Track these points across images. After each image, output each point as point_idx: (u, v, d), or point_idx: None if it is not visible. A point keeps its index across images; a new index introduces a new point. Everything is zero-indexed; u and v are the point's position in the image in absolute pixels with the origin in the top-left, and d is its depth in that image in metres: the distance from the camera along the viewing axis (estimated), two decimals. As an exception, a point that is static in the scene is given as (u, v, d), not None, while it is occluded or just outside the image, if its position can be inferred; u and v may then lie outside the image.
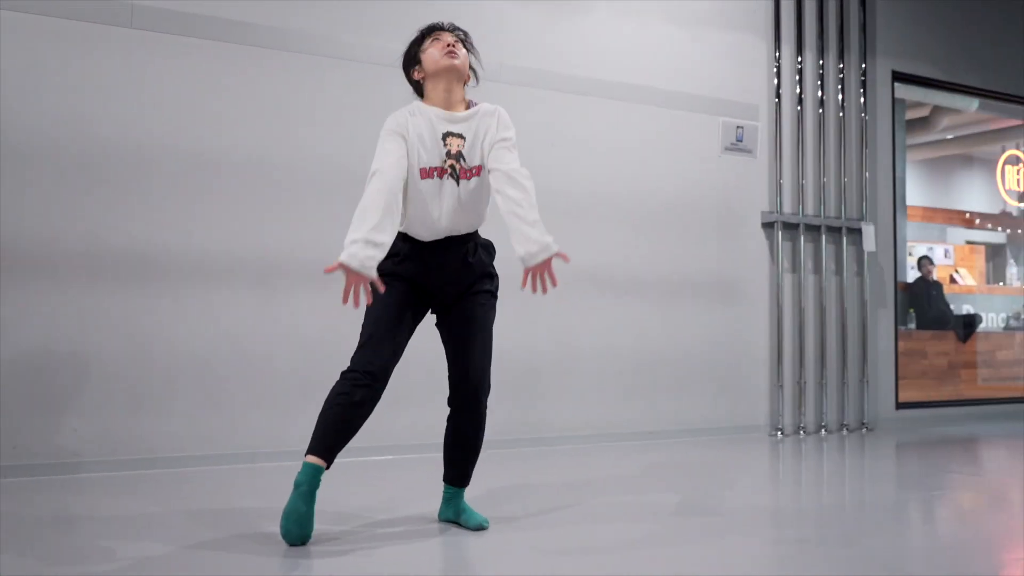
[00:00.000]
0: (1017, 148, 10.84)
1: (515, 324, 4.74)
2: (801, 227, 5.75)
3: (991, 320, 9.66)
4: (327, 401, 2.63)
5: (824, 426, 5.79)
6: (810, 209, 5.84)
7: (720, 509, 3.38)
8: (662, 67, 5.39)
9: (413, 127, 2.72)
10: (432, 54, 2.82)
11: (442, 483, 2.94)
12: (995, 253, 11.65)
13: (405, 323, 2.74)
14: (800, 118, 5.82)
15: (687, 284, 5.41)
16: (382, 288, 2.58)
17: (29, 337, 3.79)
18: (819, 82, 5.92)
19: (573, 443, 4.95)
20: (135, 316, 3.99)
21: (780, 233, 5.67)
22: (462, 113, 2.79)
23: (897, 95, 6.50)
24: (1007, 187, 11.01)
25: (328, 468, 2.62)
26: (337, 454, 2.63)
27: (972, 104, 8.00)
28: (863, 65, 6.11)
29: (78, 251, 3.90)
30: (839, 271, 5.94)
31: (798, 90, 5.83)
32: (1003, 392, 8.04)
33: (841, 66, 6.02)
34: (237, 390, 4.17)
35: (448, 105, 2.80)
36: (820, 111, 5.92)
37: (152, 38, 4.08)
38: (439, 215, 2.72)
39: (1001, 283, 11.12)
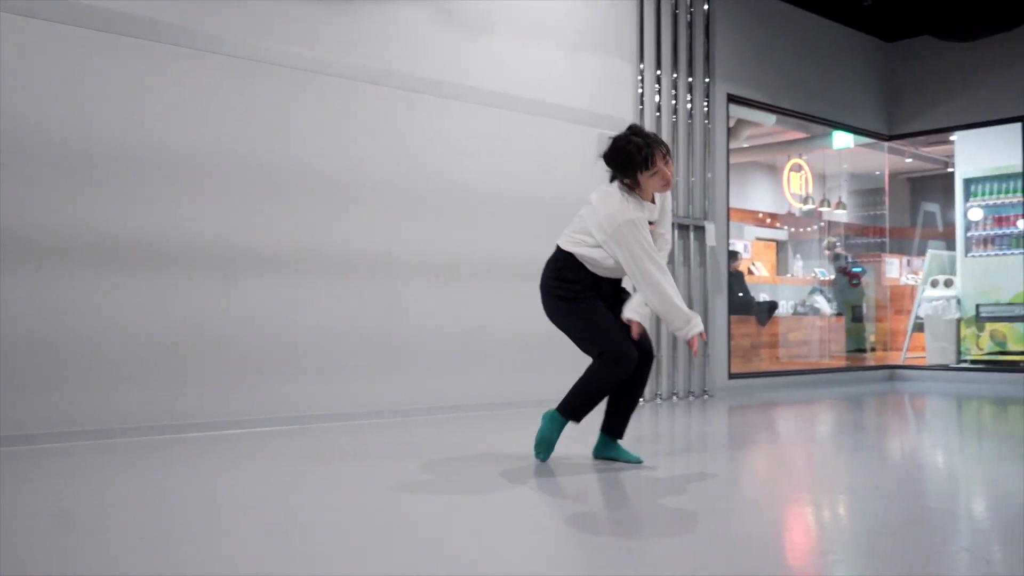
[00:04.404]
0: (800, 157, 12.41)
1: (433, 308, 5.43)
2: (659, 224, 6.76)
3: (783, 306, 10.94)
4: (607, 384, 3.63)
5: (675, 393, 6.84)
6: (665, 209, 6.86)
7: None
8: (550, 84, 6.21)
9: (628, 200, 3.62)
10: (660, 181, 3.62)
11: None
12: (782, 248, 13.12)
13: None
14: (658, 131, 6.82)
15: (567, 272, 6.25)
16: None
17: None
18: (673, 101, 6.95)
19: (467, 411, 5.67)
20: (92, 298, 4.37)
21: (642, 229, 6.64)
22: (650, 204, 3.70)
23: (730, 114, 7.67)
24: (791, 191, 12.53)
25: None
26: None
27: (770, 119, 9.30)
28: (706, 88, 7.21)
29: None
30: (687, 262, 7.00)
31: (657, 107, 6.83)
32: (796, 366, 9.38)
33: (690, 83, 7.08)
34: (199, 366, 4.62)
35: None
36: (674, 124, 6.95)
37: (96, 37, 4.45)
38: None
39: (789, 274, 12.61)
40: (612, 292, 3.78)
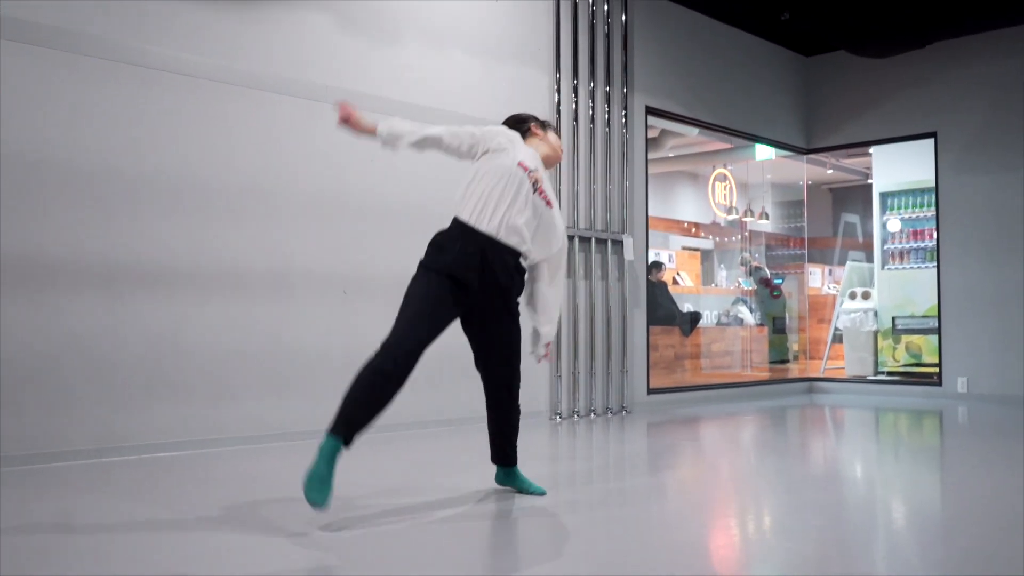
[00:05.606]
0: (724, 167, 12.45)
1: (316, 321, 5.23)
2: (576, 239, 6.65)
3: (707, 317, 10.91)
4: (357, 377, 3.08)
5: (593, 410, 6.72)
6: (582, 223, 6.75)
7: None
8: (462, 94, 6.05)
9: (519, 143, 3.47)
10: (557, 142, 3.67)
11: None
12: (706, 258, 13.13)
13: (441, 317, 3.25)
14: (575, 145, 6.71)
15: (481, 288, 6.10)
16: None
17: None
18: (590, 111, 6.85)
19: (388, 431, 5.47)
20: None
21: (559, 244, 6.52)
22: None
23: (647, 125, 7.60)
24: (716, 201, 12.57)
25: (348, 447, 3.00)
26: (358, 432, 3.02)
27: (693, 130, 9.28)
28: (624, 99, 7.13)
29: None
30: (604, 276, 6.90)
31: (574, 120, 6.72)
32: (720, 378, 9.36)
33: (608, 93, 6.98)
34: (80, 388, 4.34)
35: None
36: (591, 136, 6.85)
37: None
38: (508, 207, 3.29)
39: (713, 284, 12.62)
40: (487, 287, 3.27)
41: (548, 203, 3.42)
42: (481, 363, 3.49)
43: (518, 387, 3.55)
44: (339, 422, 3.02)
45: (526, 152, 3.44)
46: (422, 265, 3.29)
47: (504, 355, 3.45)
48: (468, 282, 3.21)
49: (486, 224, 3.25)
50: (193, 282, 4.73)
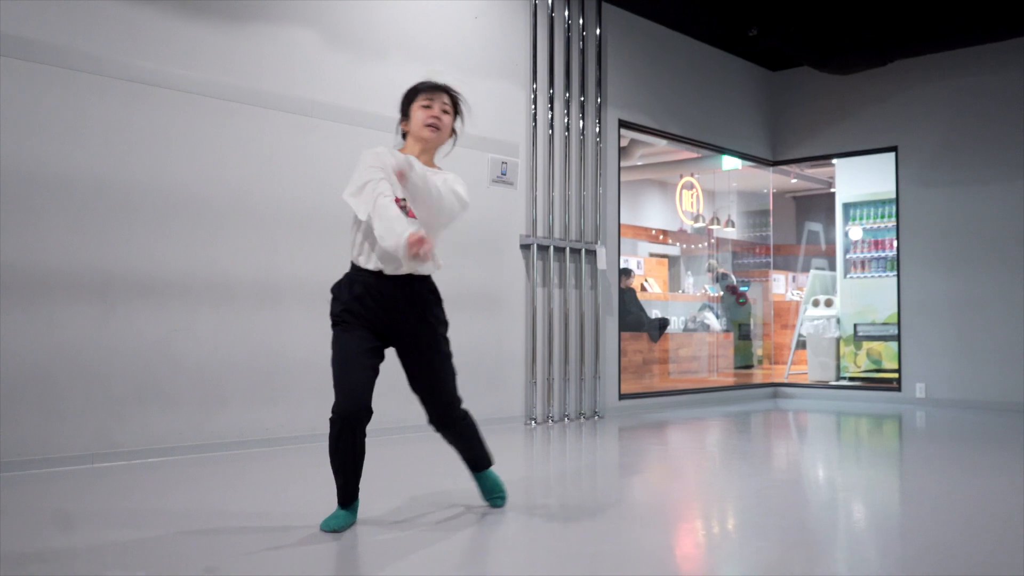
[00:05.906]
0: (692, 176, 12.72)
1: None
2: (551, 249, 6.85)
3: (674, 323, 11.13)
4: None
5: (566, 415, 6.92)
6: (557, 233, 6.95)
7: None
8: (442, 108, 6.22)
9: (388, 163, 3.08)
10: (418, 118, 3.21)
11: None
12: (673, 264, 13.38)
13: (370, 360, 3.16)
14: (551, 157, 6.91)
15: (458, 296, 6.26)
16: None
17: None
18: (566, 126, 7.05)
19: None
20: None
21: (535, 253, 6.72)
22: (431, 169, 3.23)
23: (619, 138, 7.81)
24: (684, 208, 12.84)
25: (355, 501, 3.20)
26: (356, 486, 3.19)
27: (663, 141, 9.52)
28: (598, 112, 7.34)
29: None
30: (578, 285, 7.10)
31: (549, 130, 6.92)
32: (687, 384, 9.57)
33: (582, 102, 7.19)
34: (74, 396, 4.46)
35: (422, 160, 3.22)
36: (566, 146, 7.05)
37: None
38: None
39: (680, 290, 12.88)
40: (390, 319, 3.19)
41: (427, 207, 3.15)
42: (412, 386, 3.38)
43: (454, 402, 3.40)
44: (338, 493, 3.20)
45: (392, 171, 3.09)
46: (331, 321, 3.23)
47: (428, 375, 3.33)
48: (369, 320, 3.17)
49: (369, 263, 3.16)
50: (184, 292, 4.86)
